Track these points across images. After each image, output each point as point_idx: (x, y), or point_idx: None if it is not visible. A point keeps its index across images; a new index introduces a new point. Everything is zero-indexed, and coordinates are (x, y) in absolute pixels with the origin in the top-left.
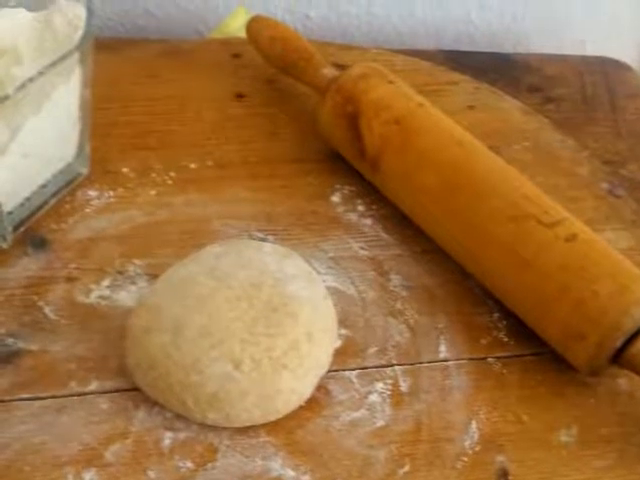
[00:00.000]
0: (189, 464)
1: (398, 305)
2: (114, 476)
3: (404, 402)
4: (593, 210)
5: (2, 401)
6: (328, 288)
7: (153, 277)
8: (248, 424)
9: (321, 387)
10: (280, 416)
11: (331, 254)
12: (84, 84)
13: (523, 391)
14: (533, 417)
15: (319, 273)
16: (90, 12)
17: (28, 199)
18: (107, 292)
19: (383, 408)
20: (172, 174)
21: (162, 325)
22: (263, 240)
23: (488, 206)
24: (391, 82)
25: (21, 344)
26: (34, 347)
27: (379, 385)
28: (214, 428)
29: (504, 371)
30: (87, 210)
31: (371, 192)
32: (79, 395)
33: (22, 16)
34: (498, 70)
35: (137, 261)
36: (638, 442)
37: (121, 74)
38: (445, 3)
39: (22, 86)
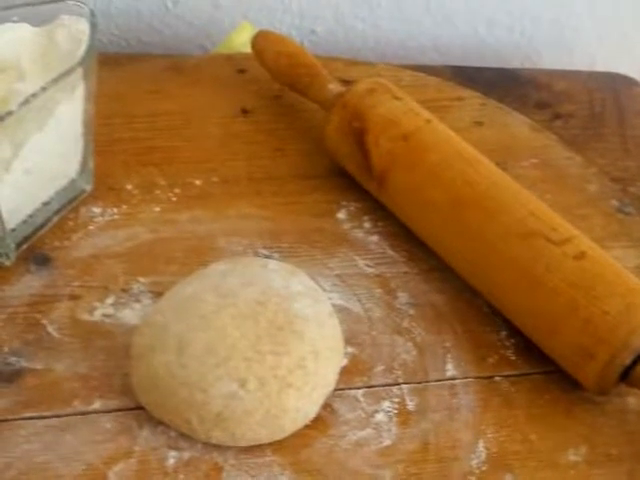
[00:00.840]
0: None
1: (405, 323)
2: None
3: (411, 421)
4: (602, 228)
5: (5, 420)
6: (334, 306)
7: (157, 295)
8: (253, 443)
9: (327, 406)
10: (286, 435)
11: (337, 271)
12: (87, 100)
13: (531, 410)
14: (541, 436)
15: (325, 291)
16: (93, 27)
17: (31, 216)
18: (111, 310)
19: (390, 427)
20: (176, 190)
21: (166, 343)
22: (268, 257)
23: (496, 223)
24: (398, 98)
25: (24, 363)
26: (37, 366)
27: (386, 404)
28: (219, 447)
29: (512, 390)
30: (91, 227)
31: (378, 209)
32: (83, 414)
33: (25, 31)
34: (506, 86)
35: (141, 279)
36: None
37: (125, 90)
38: (453, 18)
39: (25, 102)
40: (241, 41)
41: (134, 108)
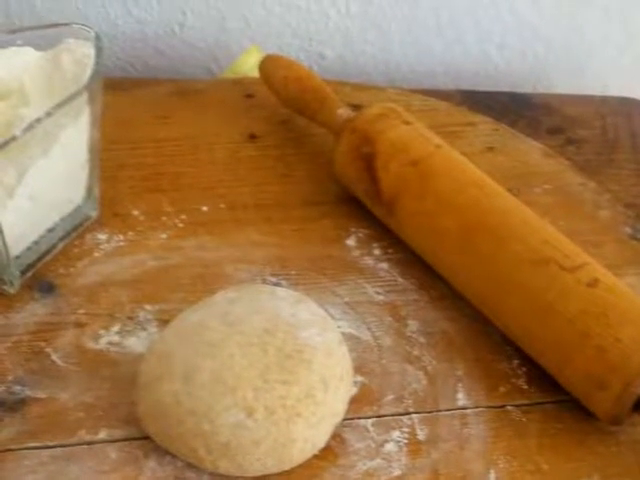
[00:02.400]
0: None
1: (415, 351)
2: None
3: (421, 451)
4: (615, 254)
5: (10, 450)
6: (343, 334)
7: (164, 322)
8: (261, 474)
9: (336, 436)
10: (294, 465)
11: (346, 299)
12: (93, 125)
13: (543, 440)
14: (553, 466)
15: (334, 319)
16: (99, 51)
17: (36, 243)
18: (117, 338)
19: (400, 457)
20: (183, 217)
21: (173, 372)
22: (276, 285)
23: (508, 250)
24: (408, 123)
25: (29, 392)
26: (42, 395)
27: (395, 434)
28: (226, 478)
29: (524, 419)
30: (96, 254)
31: (387, 235)
32: (88, 444)
33: (29, 55)
34: (518, 111)
35: (147, 306)
36: None
37: (131, 115)
38: (464, 42)
39: (29, 127)
40: (249, 65)
41: (140, 133)
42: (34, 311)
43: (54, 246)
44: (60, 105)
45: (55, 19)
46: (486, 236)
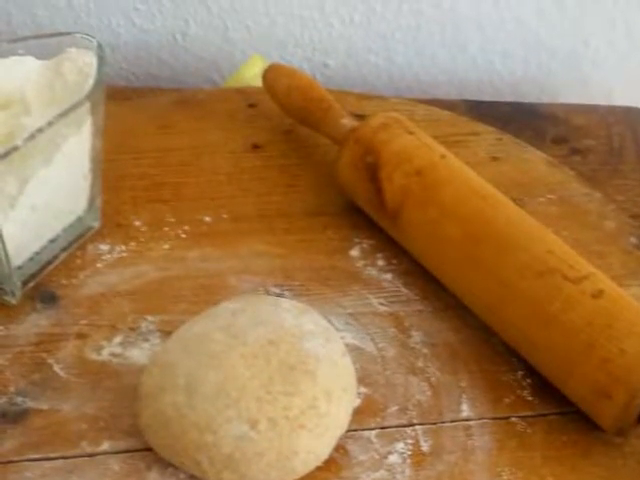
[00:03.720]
0: None
1: (419, 363)
2: None
3: (425, 463)
4: (620, 265)
5: (11, 462)
6: (347, 345)
7: (166, 334)
8: None
9: (340, 447)
10: (297, 477)
11: (350, 310)
12: (95, 134)
13: (548, 451)
14: (558, 478)
15: (337, 330)
16: (101, 60)
17: (38, 253)
18: (119, 349)
19: (403, 469)
20: (186, 228)
21: (176, 383)
22: (280, 296)
23: (512, 260)
24: (412, 132)
25: (30, 403)
26: (44, 406)
27: (399, 445)
28: None
29: (528, 431)
30: (98, 265)
31: (391, 246)
32: (90, 456)
33: (31, 64)
34: (522, 120)
35: (150, 317)
36: None
37: (133, 124)
38: (468, 51)
39: (31, 137)
40: (252, 74)
41: (142, 143)
42: (36, 322)
43: (56, 257)
44: (62, 115)
45: (57, 28)
46: (490, 246)
